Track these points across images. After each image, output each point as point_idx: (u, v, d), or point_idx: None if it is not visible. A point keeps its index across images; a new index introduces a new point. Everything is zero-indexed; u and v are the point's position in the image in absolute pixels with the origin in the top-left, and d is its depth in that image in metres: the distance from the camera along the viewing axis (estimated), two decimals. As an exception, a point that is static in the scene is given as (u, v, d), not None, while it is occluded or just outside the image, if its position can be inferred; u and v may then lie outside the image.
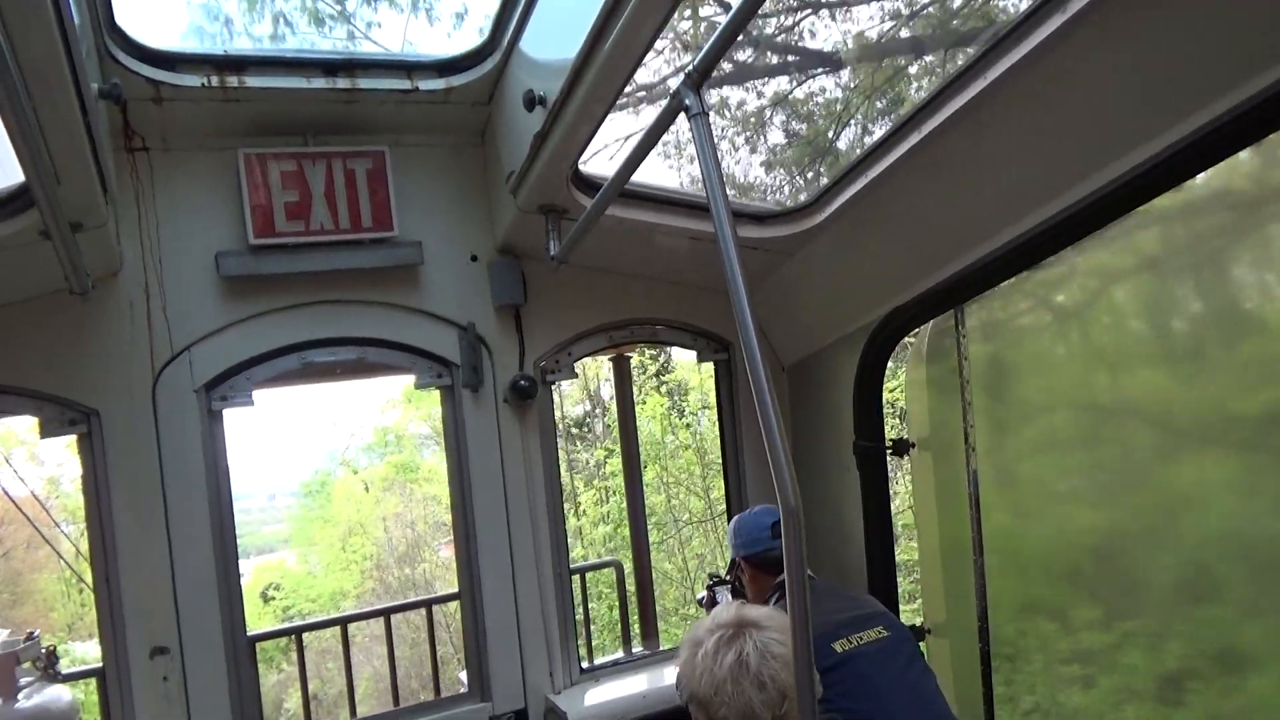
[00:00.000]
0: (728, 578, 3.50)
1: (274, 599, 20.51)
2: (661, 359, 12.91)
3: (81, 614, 16.81)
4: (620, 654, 4.28)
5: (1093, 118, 2.33)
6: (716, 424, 4.31)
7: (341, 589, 19.16)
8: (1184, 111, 2.11)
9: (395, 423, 18.62)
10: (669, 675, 3.85)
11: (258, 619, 18.91)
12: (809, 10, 9.53)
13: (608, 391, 14.20)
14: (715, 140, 1.80)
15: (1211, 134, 2.06)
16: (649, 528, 5.00)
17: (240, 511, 3.60)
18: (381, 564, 18.47)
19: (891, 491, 4.67)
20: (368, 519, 18.81)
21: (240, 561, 3.52)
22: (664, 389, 12.97)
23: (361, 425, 19.68)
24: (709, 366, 4.30)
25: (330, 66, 3.22)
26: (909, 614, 5.23)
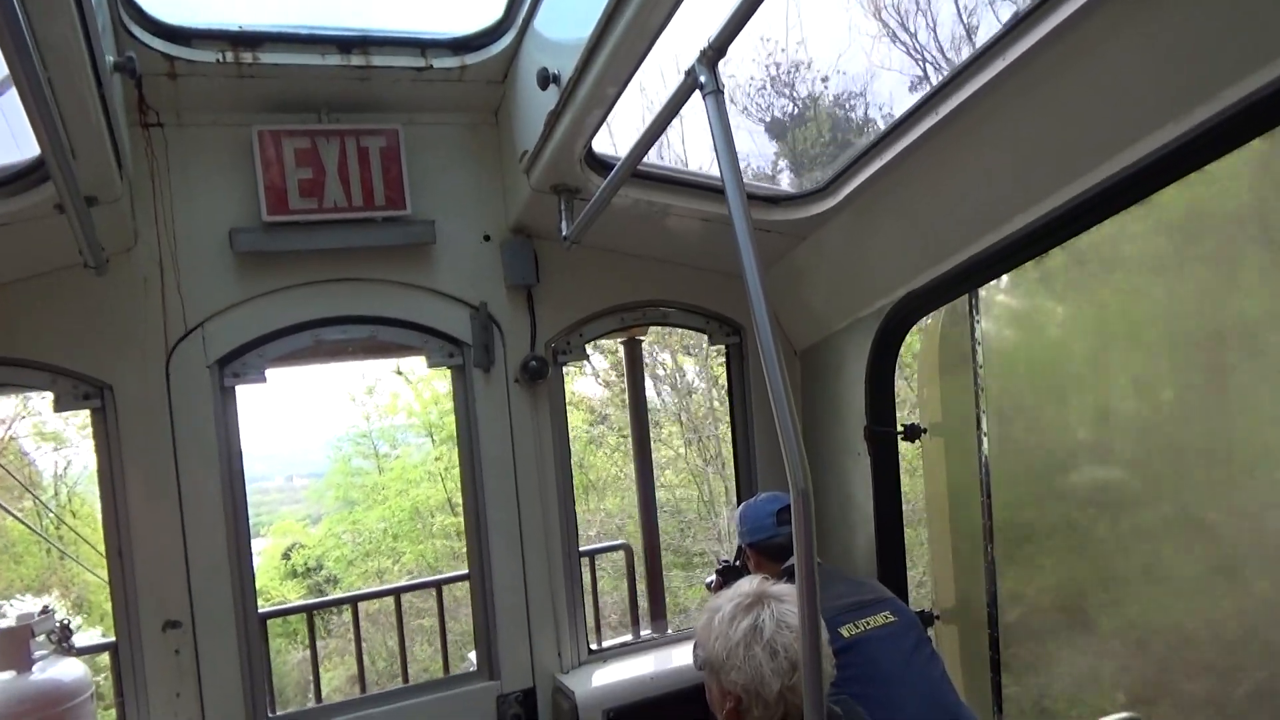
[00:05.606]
0: (737, 564, 3.50)
1: (295, 558, 19.91)
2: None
3: (55, 567, 15.04)
4: (629, 636, 4.29)
5: (1111, 101, 2.29)
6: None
7: (426, 502, 16.39)
8: (1204, 94, 2.07)
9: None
10: (677, 658, 3.86)
11: (279, 585, 18.45)
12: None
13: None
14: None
15: (1233, 117, 2.02)
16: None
17: (259, 492, 3.63)
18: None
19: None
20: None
21: (259, 537, 3.54)
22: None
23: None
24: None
25: (345, 43, 3.21)
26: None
